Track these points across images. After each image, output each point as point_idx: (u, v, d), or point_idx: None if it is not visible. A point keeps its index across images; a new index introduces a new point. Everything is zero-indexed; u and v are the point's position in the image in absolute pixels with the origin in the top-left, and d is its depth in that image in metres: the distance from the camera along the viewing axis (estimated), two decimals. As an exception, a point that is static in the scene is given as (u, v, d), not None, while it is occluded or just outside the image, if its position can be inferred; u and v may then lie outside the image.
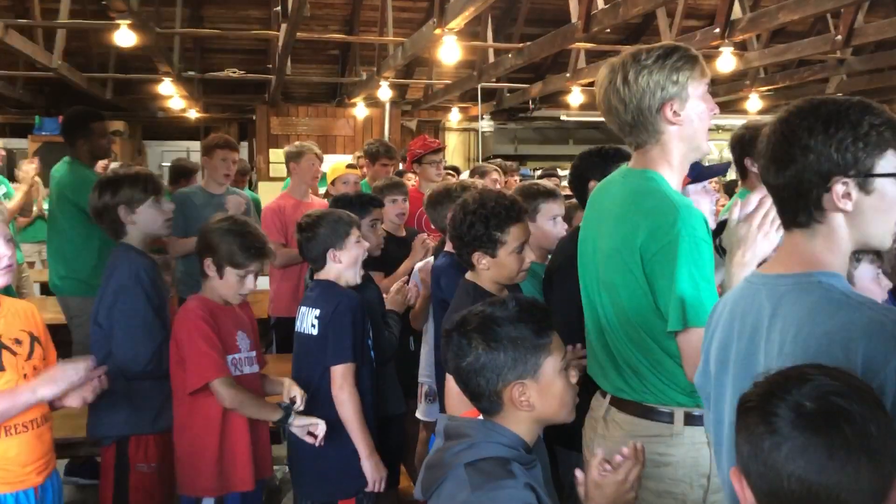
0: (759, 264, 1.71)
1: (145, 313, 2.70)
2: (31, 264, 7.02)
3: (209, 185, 4.89)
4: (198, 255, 2.73)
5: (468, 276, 2.65)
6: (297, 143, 5.23)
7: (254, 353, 2.78)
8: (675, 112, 1.89)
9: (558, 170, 8.39)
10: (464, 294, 2.54)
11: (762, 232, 1.79)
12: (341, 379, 2.69)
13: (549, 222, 3.15)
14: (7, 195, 6.42)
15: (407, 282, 3.55)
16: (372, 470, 2.70)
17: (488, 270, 2.50)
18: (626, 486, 1.63)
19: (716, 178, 4.58)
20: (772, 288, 1.38)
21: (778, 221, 1.69)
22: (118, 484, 2.69)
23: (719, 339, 1.49)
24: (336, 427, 2.69)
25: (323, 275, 2.89)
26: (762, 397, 1.12)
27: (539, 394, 1.64)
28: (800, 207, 1.34)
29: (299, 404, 2.64)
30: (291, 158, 4.95)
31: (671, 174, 1.95)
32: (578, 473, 1.68)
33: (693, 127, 1.93)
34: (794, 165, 1.32)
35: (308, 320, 2.81)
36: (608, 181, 2.12)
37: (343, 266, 2.83)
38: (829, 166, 1.29)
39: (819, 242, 1.36)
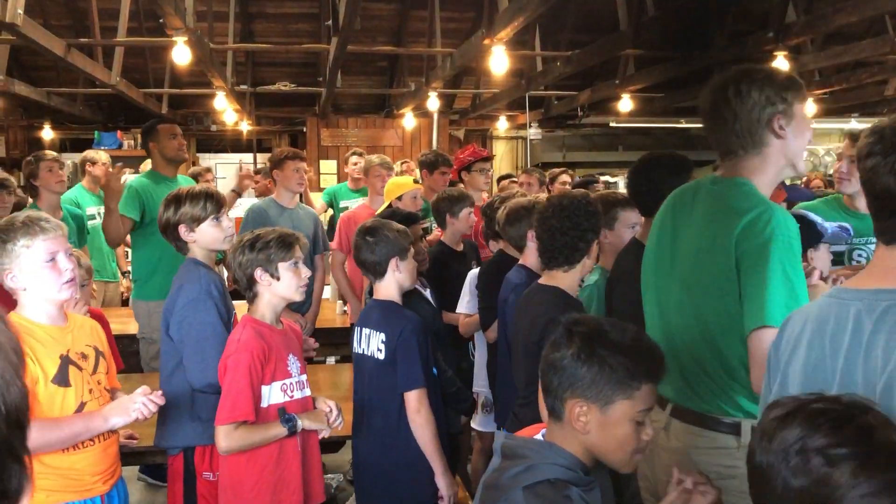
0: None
1: (216, 327, 2.74)
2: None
3: (281, 197, 4.90)
4: (246, 281, 2.63)
5: (548, 280, 2.81)
6: (375, 155, 5.74)
7: (304, 377, 2.69)
8: (781, 126, 1.97)
9: (607, 176, 8.27)
10: (555, 305, 2.64)
11: None
12: (417, 403, 2.74)
13: (628, 230, 3.16)
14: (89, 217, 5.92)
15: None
16: (446, 487, 2.77)
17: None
18: None
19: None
20: (870, 303, 1.34)
21: None
22: (186, 491, 2.76)
23: (805, 359, 1.44)
24: (409, 449, 2.74)
25: (382, 291, 2.92)
26: (856, 444, 1.08)
27: (599, 425, 1.60)
28: None
29: (336, 415, 2.65)
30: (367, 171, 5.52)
31: (763, 184, 2.01)
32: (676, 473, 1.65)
33: (795, 144, 2.00)
34: None
35: (373, 344, 2.85)
36: (693, 189, 2.16)
37: (402, 277, 2.89)
38: None
39: None
